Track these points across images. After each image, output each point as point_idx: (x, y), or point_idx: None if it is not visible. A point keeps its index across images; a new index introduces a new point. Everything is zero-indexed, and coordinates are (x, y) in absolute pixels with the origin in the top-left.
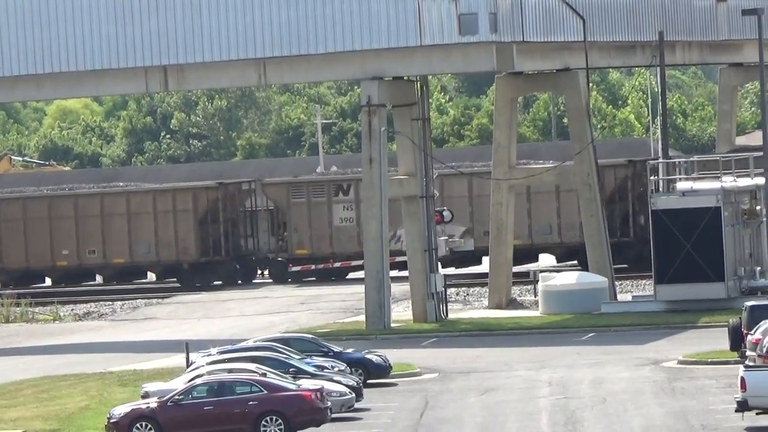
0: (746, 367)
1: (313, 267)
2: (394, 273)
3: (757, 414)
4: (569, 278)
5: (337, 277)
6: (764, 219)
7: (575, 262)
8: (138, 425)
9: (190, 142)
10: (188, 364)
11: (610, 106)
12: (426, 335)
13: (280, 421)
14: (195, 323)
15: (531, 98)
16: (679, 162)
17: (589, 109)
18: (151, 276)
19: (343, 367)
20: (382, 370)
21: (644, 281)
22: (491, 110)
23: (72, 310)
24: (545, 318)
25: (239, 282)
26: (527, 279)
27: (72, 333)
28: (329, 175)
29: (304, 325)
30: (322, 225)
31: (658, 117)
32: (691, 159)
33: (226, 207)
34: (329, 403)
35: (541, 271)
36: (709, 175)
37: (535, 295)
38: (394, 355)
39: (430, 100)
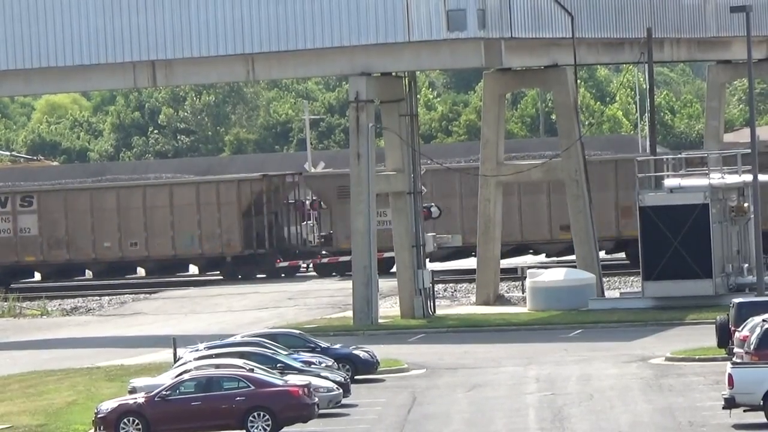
0: (734, 364)
1: (301, 262)
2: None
3: (744, 411)
4: (557, 275)
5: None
6: (752, 216)
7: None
8: (125, 420)
9: (178, 137)
10: (175, 359)
11: (598, 103)
12: (413, 331)
13: (267, 416)
14: (182, 318)
15: (519, 94)
16: (667, 159)
17: (577, 105)
18: (193, 269)
19: (330, 363)
20: (370, 365)
21: (632, 278)
22: (479, 106)
23: (60, 305)
24: (533, 314)
25: (282, 275)
26: (515, 275)
27: (59, 328)
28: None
29: (292, 321)
30: None
31: (647, 114)
32: (679, 156)
33: (269, 199)
34: (316, 399)
35: (529, 268)
36: (697, 172)
37: (523, 292)
38: (381, 351)
39: (418, 96)
